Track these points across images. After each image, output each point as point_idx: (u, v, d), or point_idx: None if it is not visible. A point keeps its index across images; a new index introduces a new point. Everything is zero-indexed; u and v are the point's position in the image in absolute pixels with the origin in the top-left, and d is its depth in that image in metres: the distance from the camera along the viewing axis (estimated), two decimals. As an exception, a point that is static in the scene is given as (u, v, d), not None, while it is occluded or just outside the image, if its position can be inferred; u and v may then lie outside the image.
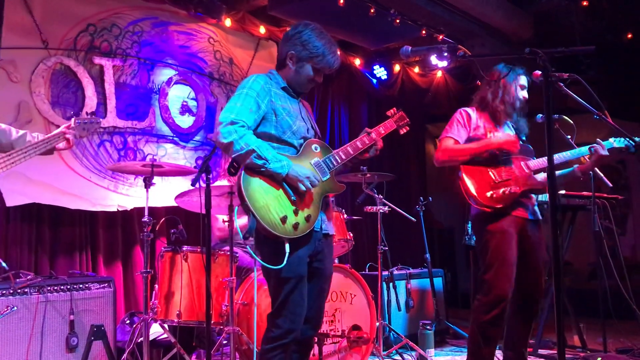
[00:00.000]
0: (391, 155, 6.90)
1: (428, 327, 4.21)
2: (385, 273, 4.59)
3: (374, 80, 6.41)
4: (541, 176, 3.35)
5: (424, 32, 5.12)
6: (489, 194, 3.19)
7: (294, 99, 2.65)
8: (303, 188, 2.43)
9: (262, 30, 5.23)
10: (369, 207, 4.37)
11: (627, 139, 3.20)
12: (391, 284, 4.58)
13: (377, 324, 4.06)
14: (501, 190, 3.18)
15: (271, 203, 2.39)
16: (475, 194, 3.21)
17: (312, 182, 2.46)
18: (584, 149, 3.31)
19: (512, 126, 3.41)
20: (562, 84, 2.95)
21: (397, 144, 7.05)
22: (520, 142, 3.34)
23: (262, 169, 2.39)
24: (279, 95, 2.58)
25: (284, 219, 2.38)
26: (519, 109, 3.36)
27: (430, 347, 4.18)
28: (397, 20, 4.83)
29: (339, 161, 2.62)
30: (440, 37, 5.15)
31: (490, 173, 3.24)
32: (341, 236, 3.91)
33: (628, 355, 4.19)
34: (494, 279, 3.15)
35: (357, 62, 6.22)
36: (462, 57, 2.52)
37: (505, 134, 3.30)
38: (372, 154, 2.72)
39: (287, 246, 2.39)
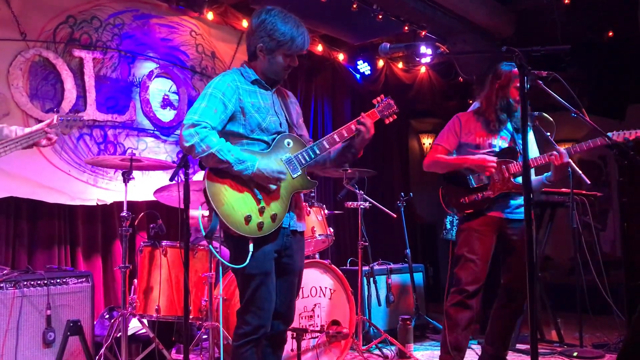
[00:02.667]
0: (374, 151, 6.91)
1: (408, 322, 4.24)
2: (365, 268, 4.61)
3: (358, 76, 6.40)
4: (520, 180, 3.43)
5: (406, 28, 5.12)
6: (462, 200, 3.36)
7: (267, 91, 2.58)
8: (272, 187, 2.41)
9: (244, 23, 5.19)
10: (350, 203, 4.38)
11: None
12: (372, 279, 4.60)
13: (357, 319, 4.08)
14: (473, 196, 3.31)
15: (235, 202, 2.37)
16: (449, 200, 3.41)
17: (280, 179, 2.42)
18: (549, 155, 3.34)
19: (512, 126, 3.46)
20: (541, 82, 3.01)
21: (381, 140, 7.06)
22: (505, 146, 3.41)
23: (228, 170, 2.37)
24: (248, 91, 2.52)
25: (247, 219, 2.36)
26: (512, 112, 3.41)
27: (409, 341, 4.21)
28: (380, 16, 4.83)
29: (313, 156, 2.54)
30: (423, 33, 5.16)
31: (468, 178, 3.38)
32: (321, 231, 3.92)
33: (604, 350, 4.25)
34: (459, 272, 3.32)
35: (341, 57, 6.22)
36: (440, 54, 2.53)
37: (481, 156, 3.34)
38: (358, 144, 2.55)
39: (250, 246, 2.37)
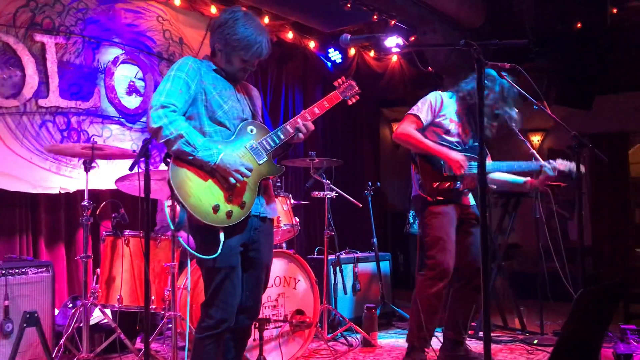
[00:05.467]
0: (345, 139, 6.92)
1: (373, 311, 4.28)
2: (332, 257, 4.63)
3: (329, 64, 6.37)
4: (492, 176, 3.59)
5: (375, 17, 5.10)
6: (435, 184, 3.37)
7: (228, 84, 2.58)
8: (233, 180, 2.40)
9: (213, 10, 5.13)
10: (316, 193, 4.38)
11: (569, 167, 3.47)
12: (338, 268, 4.62)
13: (322, 307, 4.10)
14: (447, 185, 3.35)
15: (202, 192, 2.36)
16: (422, 180, 3.40)
17: (243, 174, 2.41)
18: (536, 165, 3.49)
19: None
20: (504, 74, 3.04)
21: (352, 128, 7.07)
22: (475, 143, 3.49)
23: (190, 157, 2.35)
24: (211, 75, 2.53)
25: (215, 208, 2.35)
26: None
27: (374, 330, 4.25)
28: (348, 5, 4.80)
29: (277, 142, 2.54)
30: (393, 22, 5.15)
31: (442, 164, 3.41)
32: (287, 221, 3.92)
33: (564, 337, 4.34)
34: (438, 255, 3.34)
35: (312, 44, 6.18)
36: (401, 47, 2.54)
37: (459, 155, 3.38)
38: (295, 138, 2.57)
39: (221, 235, 2.36)
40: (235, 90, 2.61)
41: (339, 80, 2.71)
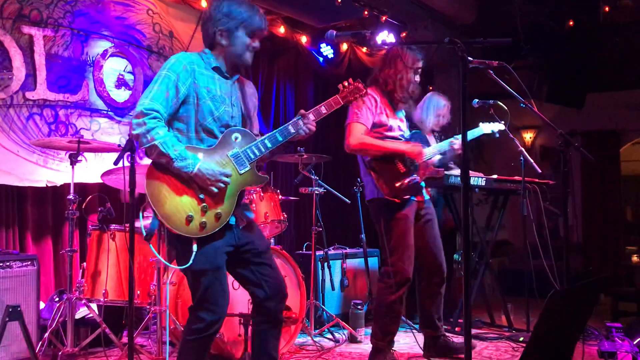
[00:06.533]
0: (336, 135, 6.89)
1: (359, 307, 4.29)
2: (320, 253, 4.63)
3: (321, 59, 6.35)
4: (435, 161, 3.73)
5: (366, 12, 5.09)
6: (397, 184, 3.36)
7: (227, 80, 2.54)
8: (214, 190, 2.35)
9: (203, 3, 5.10)
10: (304, 189, 4.38)
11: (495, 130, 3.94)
12: (325, 264, 4.62)
13: (308, 303, 4.11)
14: (407, 181, 3.33)
15: (176, 202, 2.32)
16: (385, 186, 3.37)
17: (224, 182, 2.36)
18: (446, 143, 3.67)
19: (405, 111, 3.57)
20: (491, 71, 3.04)
21: (343, 124, 7.05)
22: (413, 131, 3.56)
23: (168, 165, 2.32)
24: (206, 76, 2.46)
25: (189, 219, 2.31)
26: (414, 95, 3.49)
27: (360, 326, 4.26)
28: (339, 0, 4.78)
29: (263, 151, 2.46)
30: (384, 18, 5.14)
31: (397, 163, 3.39)
32: (274, 217, 3.92)
33: (550, 334, 4.36)
34: (398, 262, 3.37)
35: (304, 39, 6.15)
36: (383, 45, 2.53)
37: (414, 144, 3.44)
38: (296, 136, 2.49)
39: (194, 246, 2.32)
40: (232, 90, 2.54)
41: (345, 82, 2.61)
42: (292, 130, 2.49)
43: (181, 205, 2.32)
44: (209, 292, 2.38)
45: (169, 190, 2.33)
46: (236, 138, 2.47)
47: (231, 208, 2.41)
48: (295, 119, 2.52)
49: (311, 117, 2.52)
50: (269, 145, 2.47)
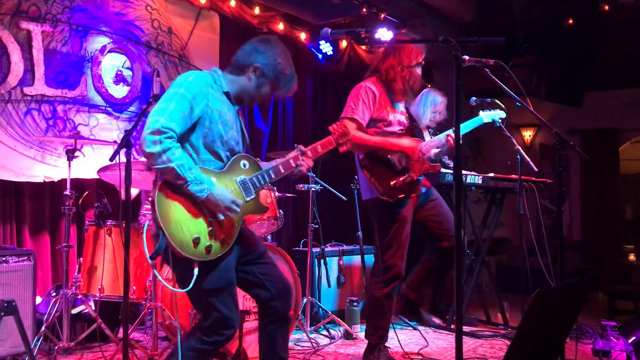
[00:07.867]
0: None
1: (355, 304, 4.30)
2: (316, 250, 4.64)
3: (320, 56, 6.34)
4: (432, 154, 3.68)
5: (364, 10, 5.09)
6: (392, 183, 3.31)
7: (233, 107, 2.55)
8: (222, 217, 2.36)
9: (202, 0, 5.11)
10: (300, 186, 4.38)
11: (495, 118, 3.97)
12: (322, 261, 4.63)
13: (304, 300, 4.12)
14: (402, 179, 3.30)
15: (185, 222, 2.30)
16: (379, 184, 3.32)
17: (233, 210, 2.37)
18: (443, 136, 3.66)
19: (405, 106, 3.56)
20: (487, 70, 3.04)
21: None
22: (411, 124, 3.53)
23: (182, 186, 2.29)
24: (219, 100, 2.47)
25: (196, 241, 2.29)
26: (414, 88, 3.46)
27: (356, 323, 4.28)
28: (337, -3, 4.79)
29: (267, 180, 2.52)
30: (382, 15, 5.14)
31: (391, 160, 3.35)
32: (271, 214, 3.93)
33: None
34: (392, 259, 3.37)
35: (303, 36, 6.15)
36: (378, 42, 2.54)
37: (410, 140, 3.37)
38: (296, 172, 2.59)
39: (195, 270, 2.30)
40: (236, 115, 2.57)
41: (333, 125, 2.73)
42: (293, 165, 2.57)
43: (189, 226, 2.30)
44: (226, 307, 2.38)
45: (179, 208, 2.30)
46: (245, 165, 2.51)
47: (235, 234, 2.44)
48: (295, 153, 2.59)
49: (309, 154, 2.62)
50: (272, 176, 2.54)
